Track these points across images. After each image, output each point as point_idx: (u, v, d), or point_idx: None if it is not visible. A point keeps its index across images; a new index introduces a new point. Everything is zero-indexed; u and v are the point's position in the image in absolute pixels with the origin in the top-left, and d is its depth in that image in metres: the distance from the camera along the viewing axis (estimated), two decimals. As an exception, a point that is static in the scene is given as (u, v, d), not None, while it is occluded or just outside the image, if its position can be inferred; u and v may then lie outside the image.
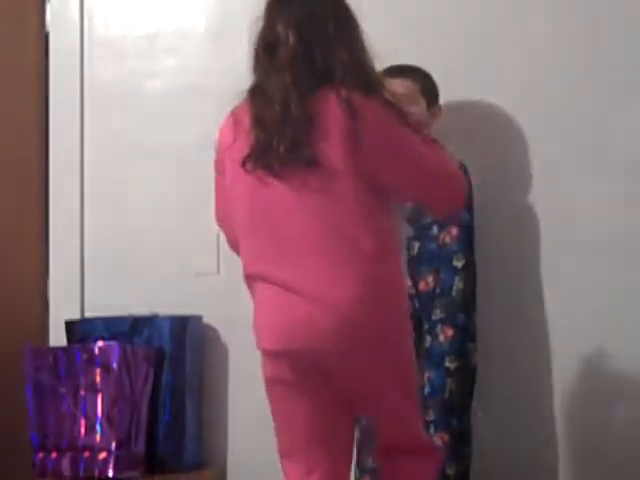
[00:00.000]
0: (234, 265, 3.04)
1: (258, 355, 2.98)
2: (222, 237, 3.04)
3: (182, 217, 3.12)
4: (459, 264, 2.70)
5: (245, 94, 2.24)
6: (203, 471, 2.99)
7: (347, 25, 2.22)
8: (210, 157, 3.06)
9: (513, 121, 2.84)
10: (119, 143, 3.22)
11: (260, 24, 2.24)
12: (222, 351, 3.05)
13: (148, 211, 3.16)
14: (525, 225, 2.83)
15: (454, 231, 2.71)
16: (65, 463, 2.83)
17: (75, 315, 3.15)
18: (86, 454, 2.82)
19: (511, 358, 2.83)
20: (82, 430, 2.83)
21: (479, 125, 2.87)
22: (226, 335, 3.06)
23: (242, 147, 2.19)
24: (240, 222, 2.27)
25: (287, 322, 2.16)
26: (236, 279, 3.03)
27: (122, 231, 3.18)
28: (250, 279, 2.28)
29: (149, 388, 2.88)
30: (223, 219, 2.44)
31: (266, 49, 2.20)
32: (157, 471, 2.89)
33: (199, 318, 3.02)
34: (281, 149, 2.12)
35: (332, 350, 2.13)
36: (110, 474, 2.78)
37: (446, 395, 2.67)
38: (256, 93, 2.21)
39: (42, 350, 2.94)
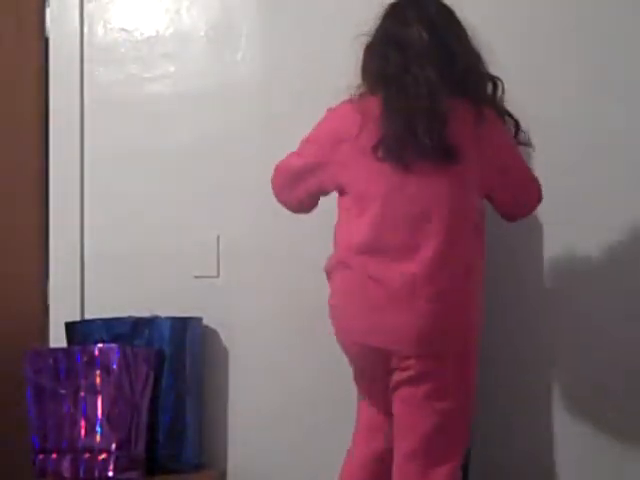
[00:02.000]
0: (234, 267, 3.08)
1: (257, 355, 3.02)
2: (222, 239, 3.09)
3: (182, 220, 3.12)
4: None
5: (364, 87, 2.31)
6: (203, 472, 2.98)
7: (467, 33, 2.34)
8: (210, 160, 3.12)
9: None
10: (119, 147, 3.22)
11: (383, 24, 2.33)
12: (222, 353, 3.05)
13: (148, 213, 3.16)
14: (529, 234, 2.86)
15: None
16: (65, 464, 2.82)
17: (75, 317, 3.15)
18: (86, 455, 2.81)
19: (513, 364, 2.85)
20: (82, 431, 2.82)
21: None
22: (226, 337, 3.06)
23: (371, 136, 2.25)
24: (364, 208, 2.28)
25: None
26: (236, 281, 3.08)
27: (122, 233, 3.18)
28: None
29: (149, 389, 2.88)
30: (294, 203, 2.53)
31: (395, 46, 2.26)
32: (157, 472, 2.89)
33: (199, 320, 3.02)
34: (427, 140, 2.18)
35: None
36: (110, 475, 2.78)
37: None
38: (390, 85, 2.25)
39: (42, 351, 2.94)
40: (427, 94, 2.20)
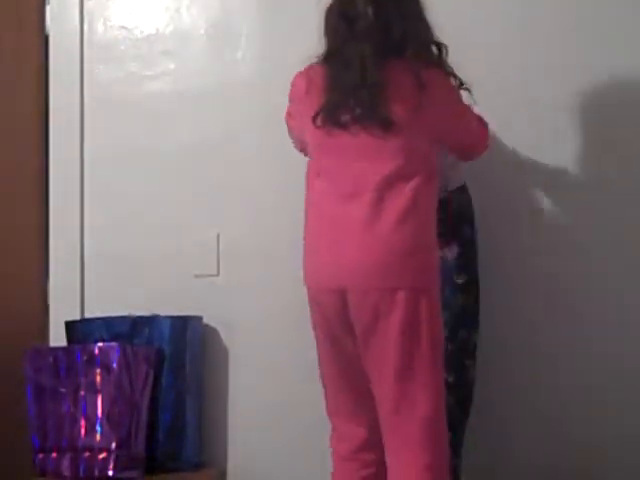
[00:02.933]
0: (234, 266, 3.08)
1: (257, 355, 3.03)
2: (222, 238, 3.09)
3: (182, 218, 3.12)
4: (460, 280, 2.71)
5: (318, 57, 2.45)
6: (203, 471, 2.99)
7: (417, 4, 2.46)
8: (210, 160, 3.12)
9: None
10: (119, 145, 3.22)
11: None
12: (222, 351, 3.05)
13: (148, 212, 3.16)
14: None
15: (455, 247, 2.72)
16: (65, 463, 2.83)
17: (75, 315, 3.15)
18: (86, 454, 2.81)
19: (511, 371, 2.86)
20: (82, 430, 2.83)
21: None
22: (226, 336, 3.06)
23: (314, 103, 2.42)
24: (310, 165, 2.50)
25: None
26: (236, 280, 3.08)
27: (122, 232, 3.18)
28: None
29: (149, 388, 2.88)
30: (294, 134, 2.64)
31: (345, 20, 2.41)
32: (157, 471, 2.89)
33: (199, 319, 3.02)
34: (357, 111, 2.36)
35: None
36: (110, 474, 2.78)
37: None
38: (333, 58, 2.43)
39: (42, 350, 2.94)
40: (359, 67, 2.35)
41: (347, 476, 2.48)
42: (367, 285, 2.33)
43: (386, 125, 2.34)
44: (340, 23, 2.43)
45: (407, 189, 2.34)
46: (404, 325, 2.30)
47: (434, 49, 2.48)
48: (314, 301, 2.45)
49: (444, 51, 2.49)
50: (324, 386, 2.51)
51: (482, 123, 2.65)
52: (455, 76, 2.51)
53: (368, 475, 2.45)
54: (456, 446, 2.70)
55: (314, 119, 2.41)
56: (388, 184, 2.34)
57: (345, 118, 2.37)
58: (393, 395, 2.33)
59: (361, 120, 2.35)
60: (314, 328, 2.48)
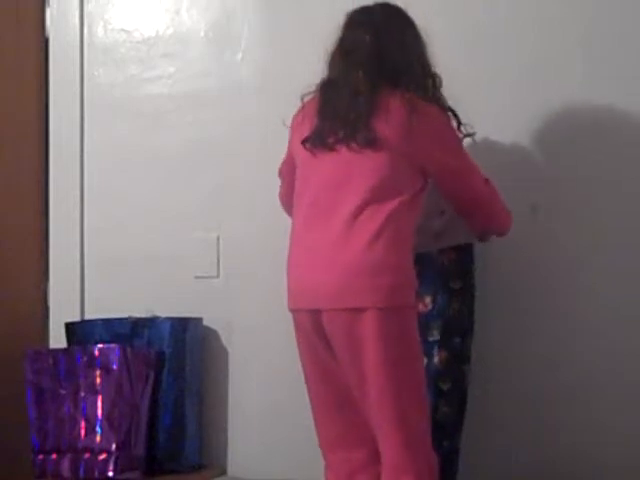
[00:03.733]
0: (234, 268, 3.09)
1: (257, 356, 3.03)
2: (222, 240, 3.09)
3: (182, 220, 3.13)
4: (455, 286, 2.71)
5: (317, 86, 2.49)
6: (203, 472, 2.99)
7: (416, 37, 2.51)
8: (210, 162, 3.13)
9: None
10: (119, 147, 3.22)
11: (340, 32, 2.51)
12: (222, 353, 3.06)
13: (148, 214, 3.16)
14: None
15: (452, 254, 2.73)
16: (65, 464, 2.83)
17: (75, 317, 3.16)
18: (86, 455, 2.82)
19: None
20: (82, 432, 2.83)
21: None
22: (226, 337, 3.06)
23: (305, 130, 2.47)
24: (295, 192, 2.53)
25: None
26: (235, 282, 3.08)
27: (122, 233, 3.18)
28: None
29: (149, 390, 2.89)
30: (283, 175, 2.70)
31: (343, 51, 2.47)
32: (157, 472, 2.89)
33: (199, 320, 3.03)
34: (343, 130, 2.39)
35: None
36: (110, 475, 2.78)
37: (438, 416, 2.69)
38: (327, 86, 2.48)
39: (42, 352, 2.94)
40: (350, 91, 2.40)
41: None
42: (337, 305, 2.33)
43: (369, 141, 2.35)
44: (338, 54, 2.48)
45: (382, 211, 2.34)
46: (376, 344, 2.31)
47: (430, 82, 2.50)
48: (295, 321, 2.46)
49: (438, 82, 2.51)
50: (314, 413, 2.53)
51: (496, 196, 2.59)
52: (453, 113, 2.52)
53: None
54: (453, 453, 2.71)
55: (303, 142, 2.45)
56: (363, 204, 2.34)
57: (331, 140, 2.40)
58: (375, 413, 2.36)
59: (345, 139, 2.38)
60: (298, 347, 2.49)
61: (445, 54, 2.87)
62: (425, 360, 2.66)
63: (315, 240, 2.39)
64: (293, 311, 2.46)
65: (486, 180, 2.56)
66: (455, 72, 2.86)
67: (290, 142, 2.58)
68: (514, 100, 2.87)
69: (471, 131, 2.60)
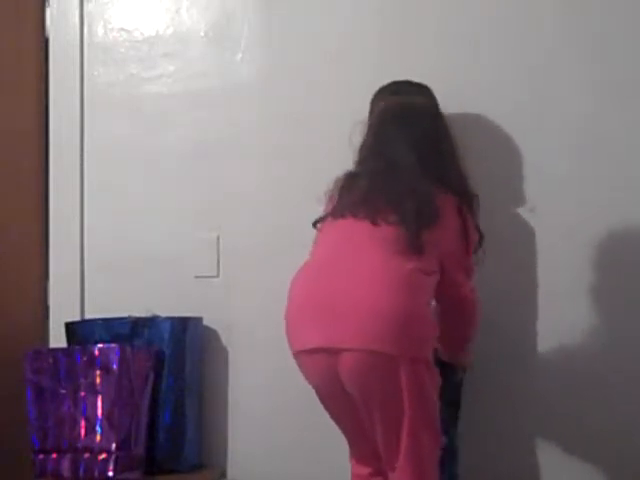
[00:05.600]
0: (234, 268, 3.09)
1: (257, 356, 3.03)
2: (222, 240, 3.09)
3: (182, 220, 3.13)
4: None
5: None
6: (203, 472, 2.99)
7: (452, 144, 2.61)
8: (210, 162, 3.12)
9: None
10: (119, 147, 3.22)
11: (371, 132, 2.59)
12: (222, 353, 3.06)
13: (148, 213, 3.16)
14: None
15: None
16: (65, 464, 2.83)
17: (75, 317, 3.16)
18: (86, 455, 2.81)
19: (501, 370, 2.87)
20: (82, 431, 2.82)
21: (477, 138, 2.91)
22: (226, 337, 3.06)
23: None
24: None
25: None
26: (236, 281, 3.08)
27: (122, 233, 3.18)
28: None
29: (149, 389, 2.89)
30: None
31: (385, 162, 2.51)
32: (157, 472, 2.89)
33: (199, 320, 3.03)
34: (404, 209, 2.40)
35: None
36: (110, 475, 2.78)
37: None
38: (358, 179, 2.52)
39: (42, 352, 2.94)
40: (409, 178, 2.46)
41: None
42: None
43: (431, 221, 2.40)
44: (379, 165, 2.52)
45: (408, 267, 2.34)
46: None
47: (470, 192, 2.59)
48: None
49: (476, 204, 2.60)
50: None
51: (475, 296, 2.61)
52: (478, 229, 2.61)
53: None
54: (451, 450, 2.71)
55: (328, 212, 2.52)
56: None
57: (380, 216, 2.40)
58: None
59: (403, 218, 2.38)
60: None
61: (445, 54, 2.90)
62: None
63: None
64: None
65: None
66: (456, 72, 2.89)
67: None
68: (514, 100, 2.88)
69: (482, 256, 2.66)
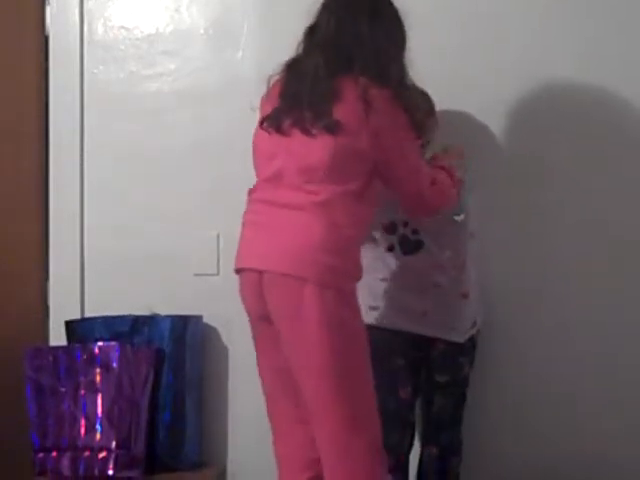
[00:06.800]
0: (234, 266, 3.08)
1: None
2: (222, 238, 3.09)
3: (182, 218, 3.13)
4: (441, 379, 2.74)
5: (282, 67, 2.51)
6: (203, 471, 2.99)
7: (383, 27, 2.49)
8: (210, 159, 3.12)
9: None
10: (119, 145, 3.22)
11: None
12: (222, 351, 3.06)
13: (148, 212, 3.16)
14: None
15: (442, 345, 2.74)
16: (65, 462, 2.83)
17: (75, 315, 3.15)
18: (86, 453, 2.82)
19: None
20: (82, 430, 2.83)
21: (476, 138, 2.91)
22: (226, 335, 3.07)
23: (266, 109, 2.52)
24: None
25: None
26: (235, 279, 3.06)
27: (122, 231, 3.18)
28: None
29: (149, 388, 2.89)
30: None
31: (309, 32, 2.51)
32: (157, 471, 2.90)
33: (199, 318, 3.03)
34: (307, 115, 2.41)
35: None
36: (110, 473, 2.79)
37: (435, 408, 2.69)
38: (291, 68, 2.51)
39: (42, 350, 2.94)
40: (311, 78, 2.43)
41: None
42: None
43: (328, 127, 2.38)
44: (305, 35, 2.52)
45: (327, 194, 2.37)
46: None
47: (392, 70, 2.46)
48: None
49: (403, 73, 2.49)
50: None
51: (437, 185, 2.56)
52: (424, 93, 2.58)
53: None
54: (456, 444, 2.71)
55: (261, 123, 2.52)
56: (308, 186, 2.39)
57: (287, 123, 2.44)
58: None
59: (301, 122, 2.41)
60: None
61: (446, 54, 2.90)
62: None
63: (265, 217, 2.47)
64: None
65: (433, 181, 2.55)
66: (455, 71, 2.89)
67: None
68: (514, 99, 2.88)
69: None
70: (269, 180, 2.48)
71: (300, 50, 2.51)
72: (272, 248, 2.41)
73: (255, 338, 2.55)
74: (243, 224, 2.55)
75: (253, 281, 2.46)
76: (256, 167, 2.56)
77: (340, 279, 2.36)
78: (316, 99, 2.40)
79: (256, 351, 2.55)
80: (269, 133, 2.49)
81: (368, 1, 2.51)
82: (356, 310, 2.41)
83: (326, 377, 2.33)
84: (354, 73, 2.41)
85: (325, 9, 2.51)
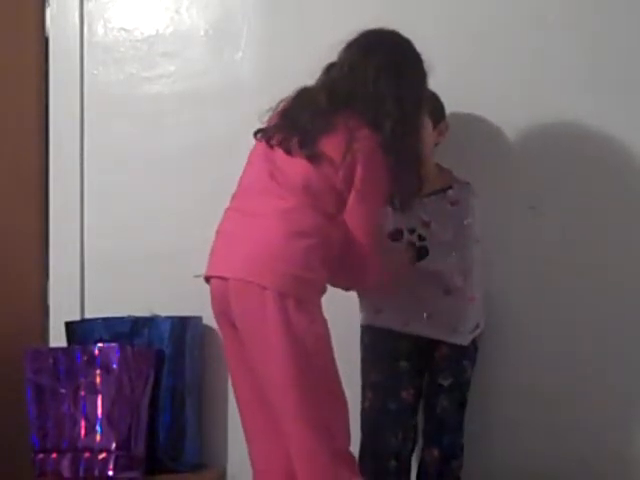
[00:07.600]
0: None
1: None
2: (222, 239, 3.09)
3: (182, 219, 3.14)
4: (445, 382, 2.74)
5: (293, 92, 2.55)
6: (203, 472, 3.00)
7: (395, 77, 2.48)
8: (210, 161, 3.12)
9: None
10: (119, 146, 3.23)
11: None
12: (222, 352, 3.02)
13: (148, 213, 3.17)
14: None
15: (445, 349, 2.73)
16: (65, 464, 2.83)
17: (75, 316, 3.15)
18: (86, 455, 2.82)
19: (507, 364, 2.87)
20: (82, 431, 2.83)
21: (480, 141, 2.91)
22: (226, 336, 3.06)
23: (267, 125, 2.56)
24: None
25: None
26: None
27: (122, 232, 3.18)
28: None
29: (149, 389, 2.89)
30: None
31: (328, 68, 2.55)
32: (157, 472, 2.90)
33: (199, 319, 3.03)
34: (295, 140, 2.46)
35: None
36: (110, 474, 2.79)
37: (438, 410, 2.70)
38: (300, 95, 2.54)
39: (42, 351, 2.95)
40: (313, 109, 2.47)
41: None
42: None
43: (313, 157, 2.42)
44: (323, 70, 2.55)
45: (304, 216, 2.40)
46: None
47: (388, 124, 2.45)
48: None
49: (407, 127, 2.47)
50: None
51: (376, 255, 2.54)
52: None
53: None
54: (457, 448, 2.71)
55: (255, 133, 2.56)
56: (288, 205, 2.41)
57: (275, 139, 2.49)
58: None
59: (286, 145, 2.45)
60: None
61: (447, 54, 2.90)
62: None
63: (233, 226, 2.50)
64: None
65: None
66: (458, 73, 2.89)
67: None
68: (515, 100, 2.88)
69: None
70: (245, 189, 2.55)
71: (316, 82, 2.54)
72: (236, 255, 2.44)
73: (226, 347, 2.57)
74: (215, 233, 2.57)
75: (219, 288, 2.48)
76: (240, 177, 2.60)
77: (300, 288, 2.37)
78: (309, 128, 2.44)
79: (227, 358, 2.58)
80: (259, 143, 2.55)
81: (390, 53, 2.52)
82: (318, 319, 2.40)
83: (288, 386, 2.34)
84: (353, 112, 2.44)
85: (346, 50, 2.53)
